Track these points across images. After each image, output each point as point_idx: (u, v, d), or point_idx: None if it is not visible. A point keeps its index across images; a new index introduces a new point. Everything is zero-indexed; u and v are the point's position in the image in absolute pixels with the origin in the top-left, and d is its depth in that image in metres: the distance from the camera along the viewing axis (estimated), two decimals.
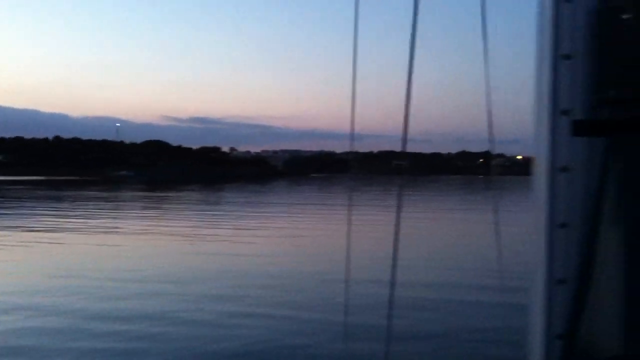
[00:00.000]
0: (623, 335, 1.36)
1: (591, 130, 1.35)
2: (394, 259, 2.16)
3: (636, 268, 1.37)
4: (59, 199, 54.07)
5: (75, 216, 35.18)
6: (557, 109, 1.37)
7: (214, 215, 37.67)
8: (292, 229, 28.52)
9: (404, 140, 2.02)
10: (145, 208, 45.20)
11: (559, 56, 1.37)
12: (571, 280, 1.36)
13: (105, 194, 64.49)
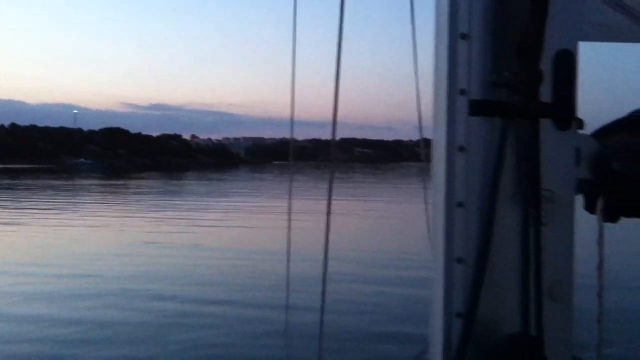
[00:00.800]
0: (521, 314, 1.37)
1: (488, 110, 1.36)
2: (326, 252, 2.13)
3: (530, 248, 1.38)
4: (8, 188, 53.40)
5: (17, 207, 34.91)
6: (454, 89, 1.37)
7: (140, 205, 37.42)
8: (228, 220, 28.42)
9: (334, 127, 2.00)
10: (81, 199, 44.48)
11: (456, 35, 1.36)
12: (470, 260, 1.36)
13: (56, 183, 63.70)
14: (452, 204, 1.38)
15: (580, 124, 1.54)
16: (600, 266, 1.65)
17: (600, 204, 1.63)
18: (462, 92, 1.36)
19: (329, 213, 2.05)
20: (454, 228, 1.38)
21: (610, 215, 1.66)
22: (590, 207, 1.67)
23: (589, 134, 1.63)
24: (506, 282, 1.38)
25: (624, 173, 1.59)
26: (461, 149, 1.37)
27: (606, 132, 1.67)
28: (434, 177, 1.41)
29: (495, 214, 1.35)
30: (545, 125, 1.41)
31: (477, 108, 1.36)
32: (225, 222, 28.20)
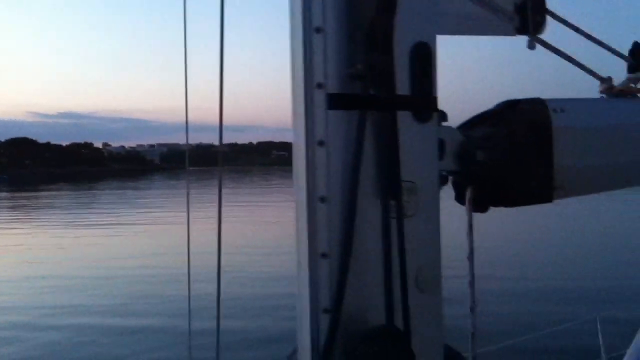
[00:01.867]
0: (386, 307, 1.37)
1: (345, 103, 1.35)
2: (219, 262, 2.04)
3: (393, 240, 1.38)
4: None
5: None
6: (312, 83, 1.35)
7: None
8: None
9: (220, 132, 1.91)
10: None
11: (311, 29, 1.35)
12: (334, 254, 1.35)
13: None
14: (314, 199, 1.36)
15: (443, 116, 1.56)
16: (470, 256, 1.67)
17: (468, 194, 1.66)
18: (319, 85, 1.35)
19: (219, 220, 1.96)
20: (317, 223, 1.36)
21: (479, 206, 1.69)
22: (459, 198, 1.70)
23: (454, 127, 1.65)
24: (371, 275, 1.38)
25: (488, 163, 1.62)
26: (321, 143, 1.35)
27: (471, 124, 1.70)
28: (295, 173, 1.39)
29: (356, 207, 1.34)
30: (404, 117, 1.41)
31: (334, 101, 1.35)
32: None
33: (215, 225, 1.90)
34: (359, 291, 1.37)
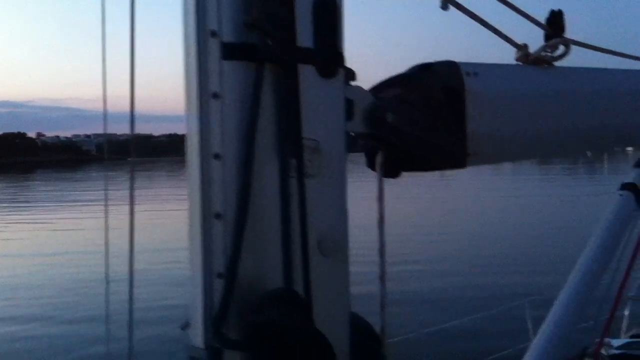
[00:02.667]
0: (284, 271, 1.29)
1: (241, 53, 1.26)
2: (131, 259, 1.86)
3: (293, 201, 1.31)
4: None
5: None
6: (205, 30, 1.25)
7: None
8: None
9: (132, 123, 1.74)
10: None
11: None
12: (229, 215, 1.26)
13: None
14: (208, 156, 1.26)
15: (351, 75, 1.49)
16: (380, 224, 1.61)
17: (379, 159, 1.59)
18: (213, 34, 1.25)
19: (131, 214, 1.76)
20: (210, 181, 1.27)
21: (391, 171, 1.63)
22: (370, 164, 1.63)
23: (366, 89, 1.59)
24: (269, 238, 1.29)
25: (399, 125, 1.56)
26: (215, 95, 1.26)
27: (382, 87, 1.63)
28: (188, 127, 1.29)
29: (253, 165, 1.26)
30: (307, 71, 1.33)
31: (229, 51, 1.25)
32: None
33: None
34: (255, 255, 1.28)
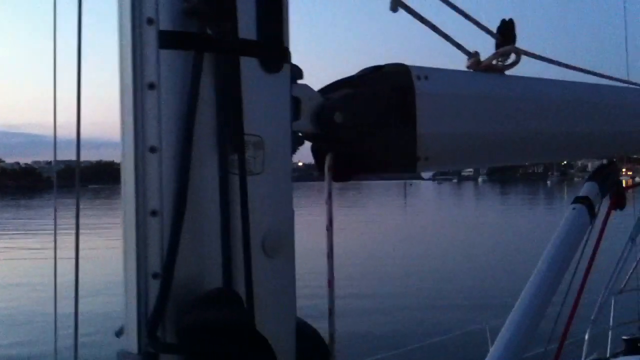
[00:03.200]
0: (224, 272, 1.24)
1: (179, 42, 1.21)
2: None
3: (234, 198, 1.26)
4: None
5: None
6: (141, 17, 1.21)
7: None
8: None
9: (78, 149, 1.62)
10: None
11: None
12: (165, 212, 1.20)
13: None
14: (144, 149, 1.21)
15: (298, 73, 1.46)
16: (329, 227, 1.57)
17: (328, 161, 1.55)
18: (150, 21, 1.21)
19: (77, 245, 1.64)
20: (146, 175, 1.21)
21: (340, 174, 1.60)
22: (319, 166, 1.59)
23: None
24: (207, 236, 1.24)
25: (348, 125, 1.53)
26: (151, 86, 1.20)
27: (331, 88, 1.61)
28: (122, 119, 1.24)
29: (191, 160, 1.21)
30: (250, 64, 1.29)
31: (166, 40, 1.21)
32: None
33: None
34: (194, 254, 1.22)
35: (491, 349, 2.12)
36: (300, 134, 1.50)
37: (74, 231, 1.54)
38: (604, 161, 2.61)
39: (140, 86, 1.20)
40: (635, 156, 2.82)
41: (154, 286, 1.19)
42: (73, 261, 1.54)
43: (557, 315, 2.53)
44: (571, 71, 2.27)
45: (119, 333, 1.25)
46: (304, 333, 1.46)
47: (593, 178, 2.52)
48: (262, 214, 1.33)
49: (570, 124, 2.18)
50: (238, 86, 1.25)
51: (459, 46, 1.90)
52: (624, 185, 2.68)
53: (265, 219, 1.34)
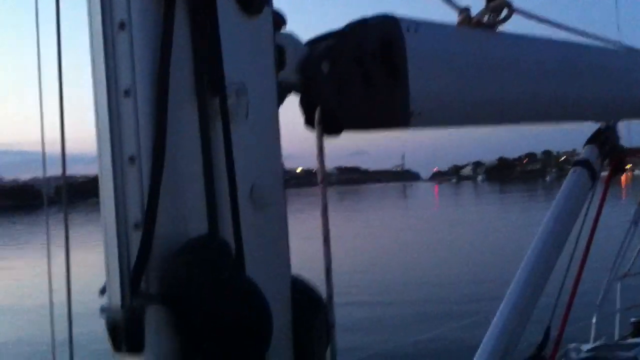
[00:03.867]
0: (209, 220, 1.18)
1: None
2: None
3: (217, 145, 1.21)
4: None
5: None
6: None
7: None
8: None
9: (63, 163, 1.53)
10: None
11: None
12: (143, 159, 1.14)
13: None
14: (117, 92, 1.15)
15: (281, 20, 1.41)
16: (324, 182, 1.52)
17: (317, 114, 1.50)
18: None
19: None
20: (121, 120, 1.15)
21: (331, 128, 1.54)
22: (309, 121, 1.54)
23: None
24: (190, 183, 1.18)
25: (336, 75, 1.47)
26: (121, 25, 1.14)
27: (316, 42, 1.55)
28: (92, 62, 1.17)
29: (168, 102, 1.15)
30: (227, 5, 1.24)
31: None
32: None
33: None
34: (176, 202, 1.16)
35: (494, 319, 2.07)
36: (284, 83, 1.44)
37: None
38: (602, 126, 2.56)
39: (110, 27, 1.14)
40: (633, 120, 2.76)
41: (136, 237, 1.13)
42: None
43: (562, 284, 2.48)
44: (562, 32, 2.23)
45: (103, 291, 1.19)
46: (301, 289, 1.40)
47: (591, 141, 2.47)
48: (249, 163, 1.27)
49: (565, 85, 2.13)
50: (215, 27, 1.20)
51: (448, 1, 1.85)
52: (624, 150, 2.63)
53: (253, 169, 1.28)
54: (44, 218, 1.54)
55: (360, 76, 1.51)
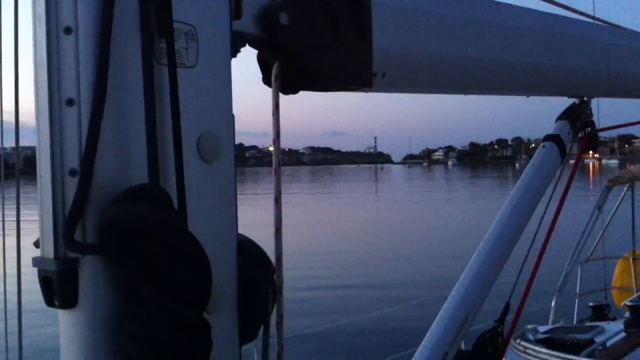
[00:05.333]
0: (148, 170, 1.11)
1: None
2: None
3: (162, 91, 1.14)
4: None
5: None
6: None
7: None
8: None
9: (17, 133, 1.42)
10: None
11: None
12: (83, 102, 1.07)
13: None
14: (57, 30, 1.07)
15: None
16: (276, 139, 1.46)
17: (275, 70, 1.43)
18: None
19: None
20: (60, 60, 1.07)
21: (289, 86, 1.48)
22: (266, 78, 1.47)
23: None
24: (132, 130, 1.11)
25: (294, 30, 1.41)
26: (67, 30, 1.07)
27: None
28: (33, 1, 1.10)
29: (112, 43, 1.08)
30: None
31: None
32: None
33: None
34: (116, 149, 1.09)
35: (455, 287, 2.04)
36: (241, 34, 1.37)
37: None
38: (576, 101, 2.52)
39: (54, 31, 1.07)
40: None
41: (72, 184, 1.07)
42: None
43: (524, 260, 2.45)
44: (542, 3, 2.19)
45: (37, 243, 1.12)
46: (248, 250, 1.35)
47: (563, 117, 2.44)
48: (198, 112, 1.21)
49: (540, 55, 2.09)
50: None
51: None
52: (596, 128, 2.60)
53: (201, 119, 1.22)
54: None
55: (321, 31, 1.45)
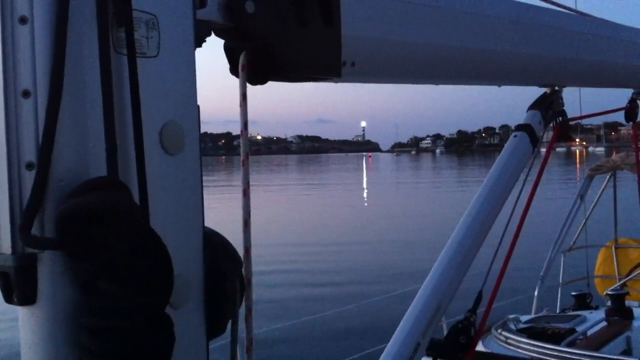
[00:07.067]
0: (106, 161, 1.09)
1: None
2: None
3: (122, 82, 1.12)
4: None
5: None
6: None
7: None
8: None
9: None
10: None
11: None
12: (39, 93, 1.05)
13: None
14: (12, 19, 1.04)
15: None
16: (244, 130, 1.44)
17: (242, 60, 1.41)
18: None
19: None
20: (15, 49, 1.05)
21: (256, 76, 1.46)
22: (234, 68, 1.45)
23: None
24: (90, 122, 1.09)
25: (260, 18, 1.38)
26: (22, 20, 1.04)
27: None
28: None
29: (69, 32, 1.05)
30: None
31: None
32: None
33: None
34: (74, 141, 1.07)
35: (428, 276, 2.03)
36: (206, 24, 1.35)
37: None
38: (547, 91, 2.52)
39: (9, 21, 1.04)
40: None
41: (28, 177, 1.04)
42: None
43: (496, 250, 2.44)
44: None
45: None
46: (215, 243, 1.33)
47: (535, 106, 2.43)
48: (160, 103, 1.19)
49: (508, 44, 2.07)
50: None
51: None
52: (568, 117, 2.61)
53: (164, 110, 1.19)
54: None
55: (287, 18, 1.42)
